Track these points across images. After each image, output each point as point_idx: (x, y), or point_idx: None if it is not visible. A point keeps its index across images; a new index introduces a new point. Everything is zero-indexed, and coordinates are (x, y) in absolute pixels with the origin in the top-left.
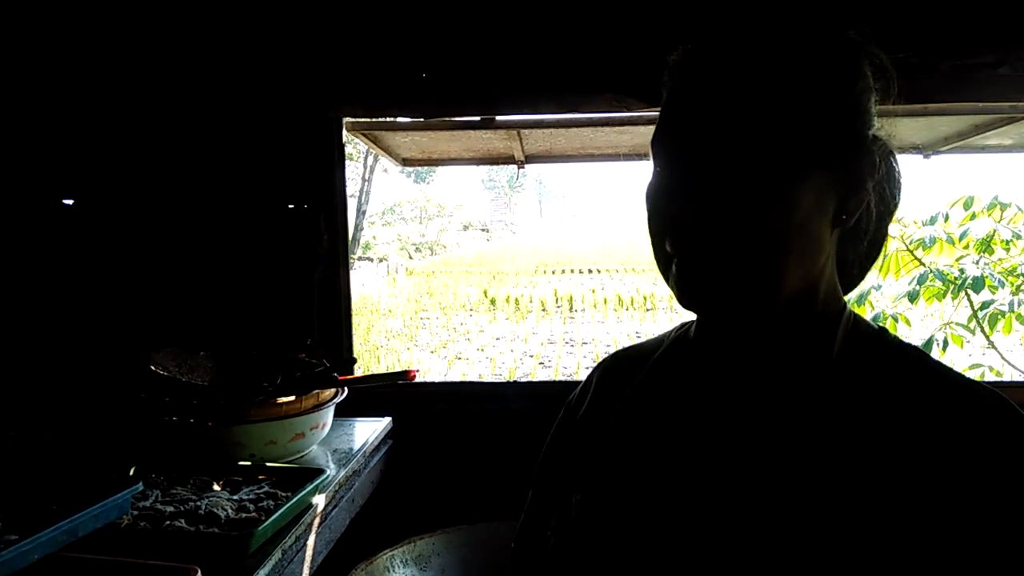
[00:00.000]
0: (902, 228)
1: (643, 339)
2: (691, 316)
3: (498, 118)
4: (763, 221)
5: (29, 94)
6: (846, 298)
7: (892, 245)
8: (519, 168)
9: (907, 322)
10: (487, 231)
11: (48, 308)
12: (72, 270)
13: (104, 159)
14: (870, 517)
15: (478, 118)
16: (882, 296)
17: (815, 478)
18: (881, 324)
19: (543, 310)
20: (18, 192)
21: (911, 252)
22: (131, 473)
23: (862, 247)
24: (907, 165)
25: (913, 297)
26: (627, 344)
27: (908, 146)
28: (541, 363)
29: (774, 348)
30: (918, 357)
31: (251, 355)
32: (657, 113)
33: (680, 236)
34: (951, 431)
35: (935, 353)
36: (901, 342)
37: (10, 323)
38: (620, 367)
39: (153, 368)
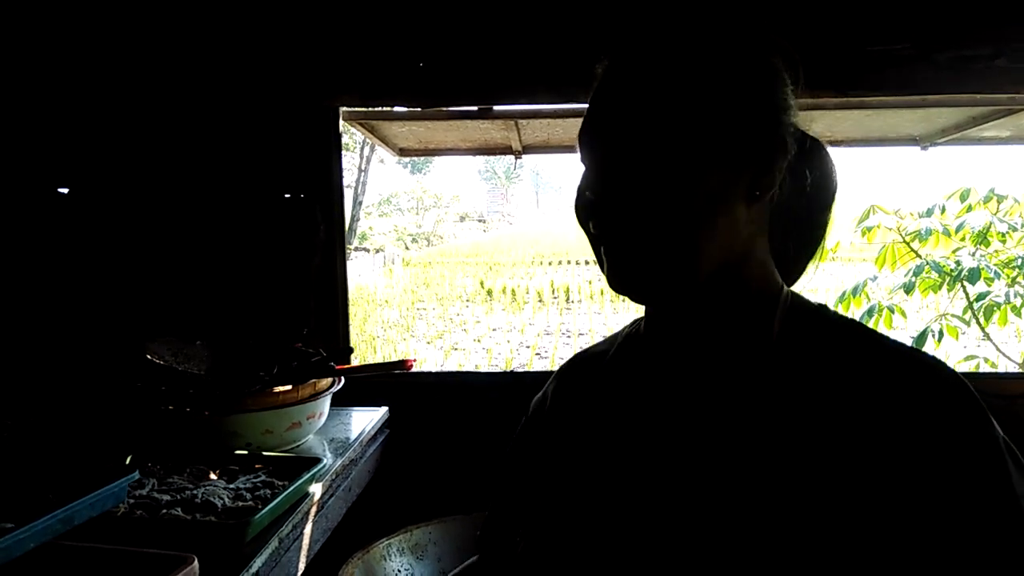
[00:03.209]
0: (899, 220)
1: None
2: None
3: (495, 108)
4: (670, 199)
5: (24, 83)
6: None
7: (889, 237)
8: (516, 158)
9: (903, 313)
10: (484, 222)
11: (44, 297)
12: (67, 259)
13: (100, 148)
14: (821, 489)
15: (475, 108)
16: (878, 287)
17: (765, 458)
18: (876, 313)
19: (540, 301)
20: (12, 180)
21: (907, 244)
22: (127, 462)
23: (800, 237)
24: (904, 157)
25: (909, 289)
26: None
27: (905, 137)
28: (538, 354)
29: (716, 333)
30: (857, 329)
31: (247, 344)
32: None
33: (601, 223)
34: (889, 397)
35: (930, 344)
36: (841, 316)
37: (6, 312)
38: (577, 370)
39: (149, 357)
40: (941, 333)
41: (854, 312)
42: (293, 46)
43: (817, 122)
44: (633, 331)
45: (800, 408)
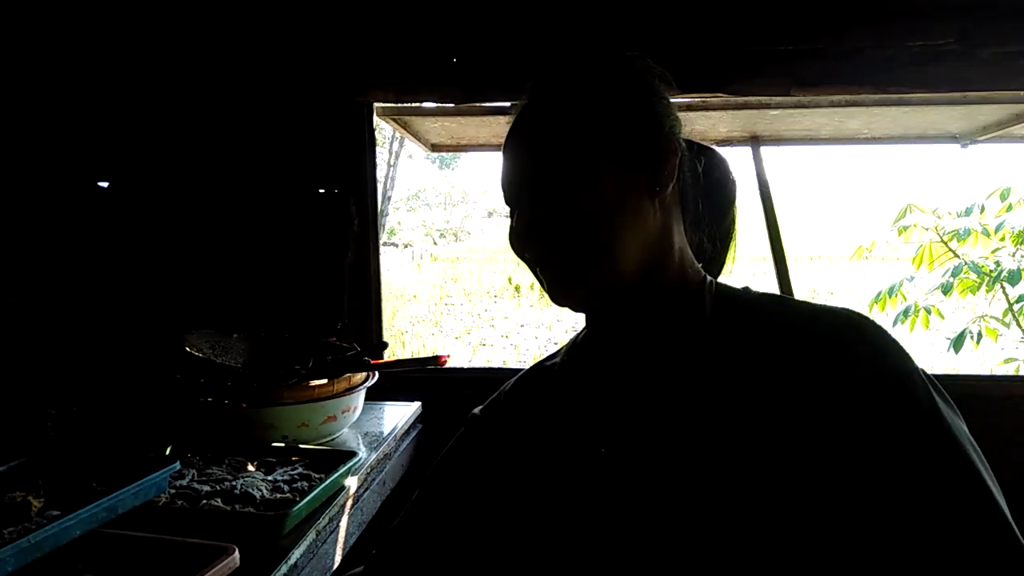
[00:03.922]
0: (937, 219)
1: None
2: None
3: None
4: (578, 206)
5: (66, 80)
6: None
7: (926, 236)
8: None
9: (940, 314)
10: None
11: (86, 289)
12: (108, 252)
13: (139, 144)
14: (770, 455)
15: (509, 104)
16: (914, 288)
17: (714, 437)
18: (913, 314)
19: None
20: (55, 173)
21: (945, 243)
22: (168, 452)
23: (713, 231)
24: (943, 154)
25: (947, 289)
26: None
27: (945, 135)
28: None
29: (651, 324)
30: (777, 300)
31: (283, 338)
32: (687, 100)
33: (529, 247)
34: (815, 354)
35: (968, 346)
36: (762, 293)
37: (49, 304)
38: (526, 382)
39: (188, 349)
40: (980, 335)
41: (889, 312)
42: (327, 43)
43: (855, 119)
44: (577, 339)
45: (740, 382)
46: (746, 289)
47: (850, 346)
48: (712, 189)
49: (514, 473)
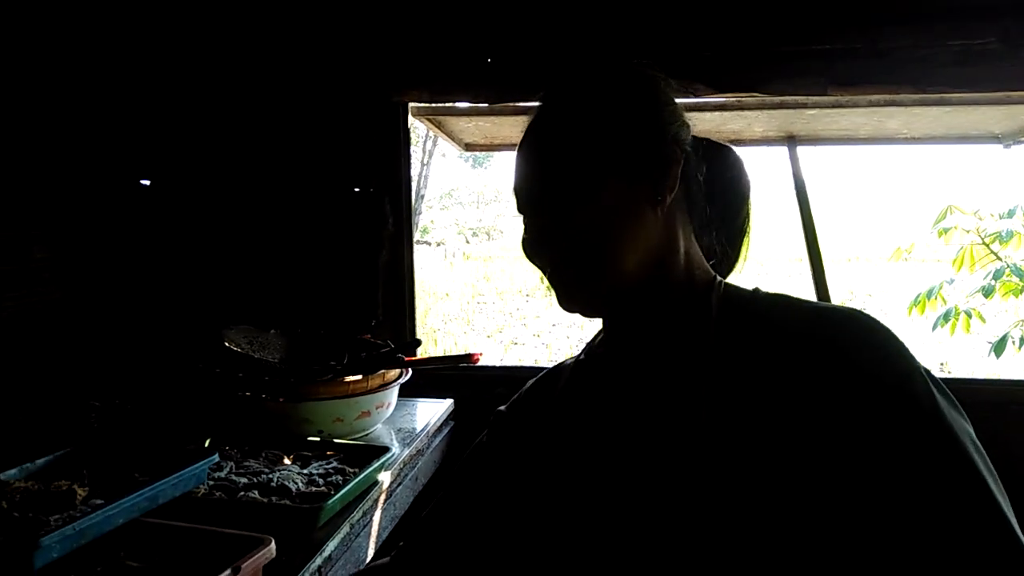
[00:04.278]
0: (978, 220)
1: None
2: None
3: None
4: (574, 219)
5: (107, 78)
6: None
7: (967, 238)
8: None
9: (981, 317)
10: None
11: (128, 285)
12: (150, 249)
13: (181, 143)
14: (777, 454)
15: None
16: (955, 290)
17: (710, 435)
18: (953, 317)
19: None
20: (99, 172)
21: (987, 245)
22: (206, 445)
23: (725, 232)
24: (985, 155)
25: (988, 292)
26: None
27: (987, 135)
28: None
29: (659, 326)
30: (783, 300)
31: (318, 334)
32: (723, 99)
33: (539, 255)
34: (811, 354)
35: (1010, 350)
36: (769, 293)
37: (93, 300)
38: (543, 382)
39: (227, 344)
40: (1022, 340)
41: (929, 315)
42: (364, 44)
43: (894, 118)
44: (595, 339)
45: (744, 384)
46: (755, 290)
47: (851, 346)
48: (725, 188)
49: (525, 470)
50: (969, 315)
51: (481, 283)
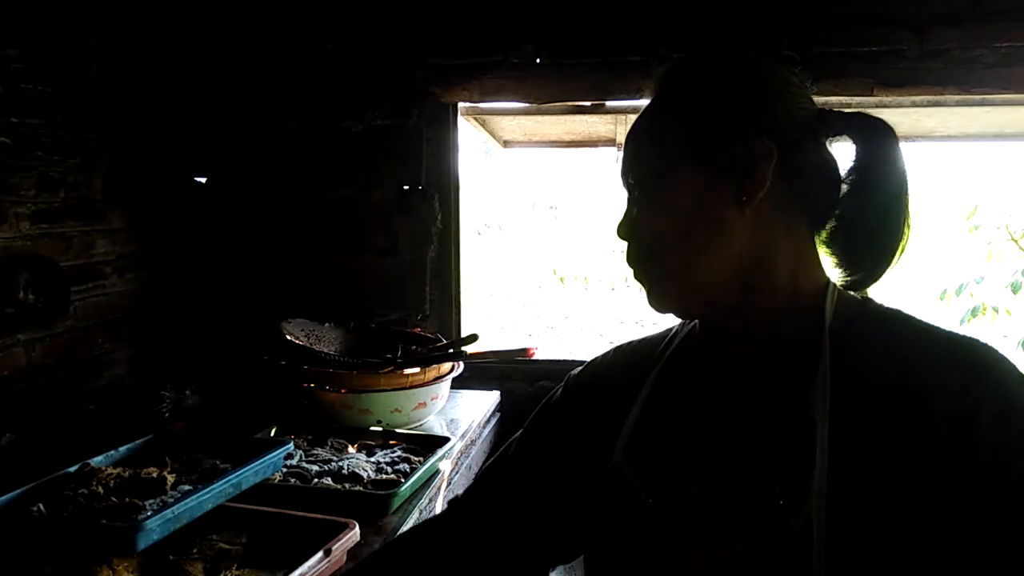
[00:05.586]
0: (1008, 216)
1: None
2: None
3: (607, 104)
4: (649, 226)
5: (167, 82)
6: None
7: (996, 234)
8: (619, 151)
9: (1009, 314)
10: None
11: (193, 279)
12: (211, 244)
13: (241, 143)
14: (886, 479)
15: (589, 103)
16: (982, 287)
17: (830, 454)
18: (980, 313)
19: (612, 290)
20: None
21: (1016, 242)
22: (272, 434)
23: (862, 236)
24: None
25: (1016, 288)
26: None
27: (1022, 134)
28: (611, 343)
29: (758, 340)
30: (902, 319)
31: (370, 328)
32: None
33: (627, 258)
34: (932, 384)
35: None
36: (883, 307)
37: (164, 294)
38: (626, 360)
39: (288, 337)
40: None
41: (955, 311)
42: (417, 44)
43: (932, 117)
44: (693, 331)
45: (865, 403)
46: (866, 299)
47: (976, 381)
48: (865, 180)
49: (600, 440)
50: (997, 311)
51: (492, 274)
